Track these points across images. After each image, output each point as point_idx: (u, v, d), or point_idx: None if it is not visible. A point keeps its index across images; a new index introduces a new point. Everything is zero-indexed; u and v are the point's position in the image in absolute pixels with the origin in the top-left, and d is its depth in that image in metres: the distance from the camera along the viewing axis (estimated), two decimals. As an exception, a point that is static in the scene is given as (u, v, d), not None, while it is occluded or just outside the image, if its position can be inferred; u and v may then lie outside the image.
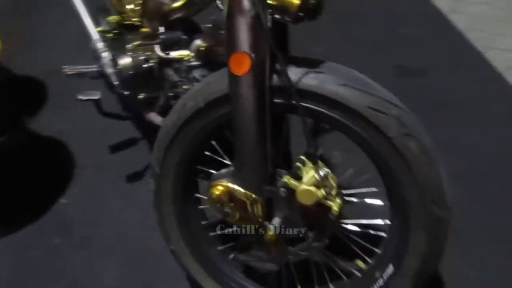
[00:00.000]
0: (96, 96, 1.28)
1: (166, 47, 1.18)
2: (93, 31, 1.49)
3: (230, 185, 0.83)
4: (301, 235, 0.87)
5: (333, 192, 0.79)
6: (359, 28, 1.94)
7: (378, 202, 0.90)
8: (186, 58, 1.13)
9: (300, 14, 0.71)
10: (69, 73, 1.31)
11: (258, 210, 0.83)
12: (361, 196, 0.89)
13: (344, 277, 0.96)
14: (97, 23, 1.50)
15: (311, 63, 0.78)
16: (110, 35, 1.40)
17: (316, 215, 0.83)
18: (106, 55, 1.43)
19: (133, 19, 1.28)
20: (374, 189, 0.89)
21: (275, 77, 0.77)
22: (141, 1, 1.24)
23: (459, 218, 0.85)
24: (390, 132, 0.74)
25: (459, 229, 0.88)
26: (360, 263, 0.93)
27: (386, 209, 0.85)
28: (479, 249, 1.17)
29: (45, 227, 1.34)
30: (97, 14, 1.49)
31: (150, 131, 1.57)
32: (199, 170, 0.96)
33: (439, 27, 1.96)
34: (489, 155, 1.40)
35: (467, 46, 1.84)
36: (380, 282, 0.87)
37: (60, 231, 1.34)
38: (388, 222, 0.86)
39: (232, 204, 0.83)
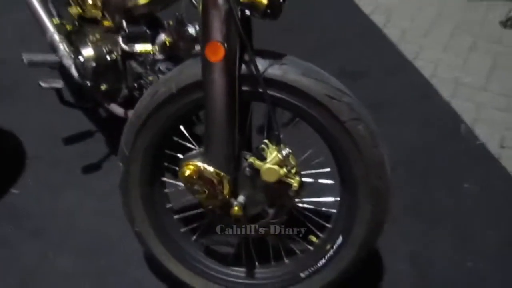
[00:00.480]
0: (59, 84, 1.29)
1: (130, 41, 1.23)
2: (49, 23, 1.49)
3: (200, 164, 0.90)
4: (262, 213, 0.97)
5: (293, 170, 0.90)
6: (303, 34, 2.10)
7: (329, 181, 1.02)
8: (151, 52, 1.19)
9: (268, 11, 0.81)
10: (27, 60, 1.30)
11: (225, 188, 0.91)
12: (315, 176, 1.00)
13: (298, 252, 1.07)
14: (54, 15, 1.50)
15: (275, 55, 0.88)
16: (70, 27, 1.41)
17: (277, 193, 0.93)
18: (64, 47, 1.44)
19: (94, 12, 1.31)
20: (327, 169, 1.00)
21: (243, 66, 0.86)
22: (103, -4, 1.28)
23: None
24: (342, 117, 0.86)
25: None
26: (312, 238, 1.04)
27: (336, 188, 0.97)
28: (409, 225, 1.34)
29: (-5, 217, 1.32)
30: (55, 5, 1.49)
31: (105, 123, 1.60)
32: (166, 154, 1.02)
33: (375, 38, 2.17)
34: (413, 147, 1.60)
35: (400, 56, 2.07)
36: (330, 252, 0.98)
37: (12, 221, 1.32)
38: (338, 199, 0.98)
39: (201, 182, 0.91)
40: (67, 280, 1.20)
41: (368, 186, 0.89)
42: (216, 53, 0.81)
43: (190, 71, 0.90)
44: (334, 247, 0.97)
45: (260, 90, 0.85)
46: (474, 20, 2.37)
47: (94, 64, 1.24)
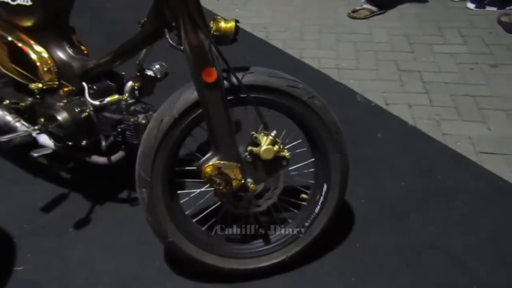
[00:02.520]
0: (48, 150, 1.40)
1: (97, 96, 1.42)
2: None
3: (215, 162, 1.17)
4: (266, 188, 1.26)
5: (281, 146, 1.21)
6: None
7: (303, 149, 1.35)
8: (122, 99, 1.40)
9: (234, 39, 1.13)
10: (4, 141, 1.39)
11: (238, 174, 1.19)
12: (292, 148, 1.33)
13: (295, 210, 1.38)
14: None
15: (244, 68, 1.19)
16: (24, 103, 1.53)
17: (274, 166, 1.23)
18: (22, 124, 1.55)
19: (52, 83, 1.47)
20: (299, 141, 1.34)
21: (225, 81, 1.15)
22: (54, 67, 1.46)
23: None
24: (303, 98, 1.21)
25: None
26: (303, 196, 1.36)
27: (309, 152, 1.32)
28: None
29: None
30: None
31: (73, 181, 1.72)
32: (176, 170, 1.25)
33: (263, 48, 2.63)
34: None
35: (290, 58, 2.53)
36: (321, 199, 1.31)
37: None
38: (313, 159, 1.32)
39: (220, 175, 1.17)
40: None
41: (333, 141, 1.25)
42: (211, 75, 1.09)
43: (185, 97, 1.16)
44: (323, 194, 1.31)
45: (243, 95, 1.16)
46: (331, 20, 2.98)
47: (71, 124, 1.41)
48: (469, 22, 2.87)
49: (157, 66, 1.46)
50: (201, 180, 1.19)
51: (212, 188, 1.22)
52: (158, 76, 1.45)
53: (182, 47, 1.11)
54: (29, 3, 1.38)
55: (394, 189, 1.68)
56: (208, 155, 1.19)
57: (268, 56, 2.56)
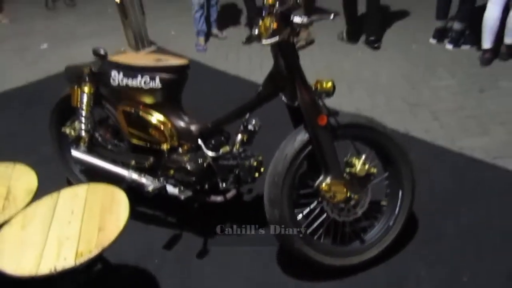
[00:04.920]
0: (161, 184, 1.86)
1: (214, 149, 1.85)
2: (121, 169, 1.98)
3: (329, 181, 1.61)
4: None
5: (369, 165, 1.67)
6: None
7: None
8: (234, 149, 1.84)
9: (332, 94, 1.62)
10: (149, 191, 1.81)
11: (343, 189, 1.63)
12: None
13: (378, 215, 1.82)
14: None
15: (338, 113, 1.65)
16: (149, 163, 1.95)
17: (364, 180, 1.68)
18: (147, 178, 1.95)
19: (174, 143, 1.90)
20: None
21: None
22: (175, 130, 1.88)
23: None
24: (380, 128, 1.69)
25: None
26: (383, 202, 1.80)
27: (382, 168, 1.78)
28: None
29: None
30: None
31: (182, 223, 2.10)
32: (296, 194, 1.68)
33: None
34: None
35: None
36: (399, 203, 1.76)
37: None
38: (386, 173, 1.78)
39: (332, 191, 1.61)
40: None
41: (402, 157, 1.72)
42: (323, 120, 1.56)
43: (300, 137, 1.61)
44: (399, 198, 1.76)
45: (341, 132, 1.62)
46: (339, 71, 3.54)
47: (198, 172, 1.82)
48: (451, 60, 3.50)
49: (254, 122, 1.90)
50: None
51: (320, 205, 1.66)
52: (256, 129, 1.89)
53: (295, 103, 1.58)
54: (159, 86, 1.83)
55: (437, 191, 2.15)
56: (321, 178, 1.63)
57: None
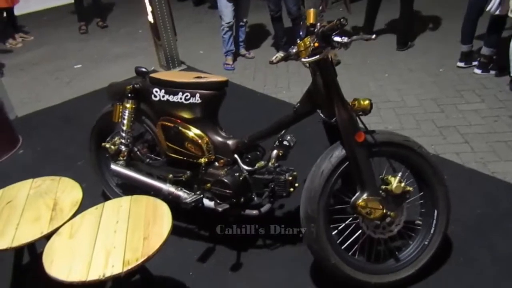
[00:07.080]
0: (199, 196, 1.91)
1: (249, 164, 1.90)
2: (159, 183, 2.04)
3: (365, 197, 1.63)
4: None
5: (405, 183, 1.68)
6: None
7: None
8: (269, 164, 1.88)
9: (370, 111, 1.65)
10: (188, 203, 1.85)
11: (380, 206, 1.64)
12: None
13: (413, 234, 1.81)
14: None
15: (375, 131, 1.69)
16: (186, 176, 2.00)
17: (400, 198, 1.69)
18: (184, 192, 1.99)
19: (210, 157, 1.95)
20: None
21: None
22: (212, 145, 1.94)
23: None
24: (415, 148, 1.71)
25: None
26: (418, 221, 1.80)
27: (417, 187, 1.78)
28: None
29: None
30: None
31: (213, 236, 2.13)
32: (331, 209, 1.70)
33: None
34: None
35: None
36: (434, 222, 1.76)
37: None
38: (421, 193, 1.78)
39: (369, 207, 1.62)
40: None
41: (437, 177, 1.73)
42: (361, 137, 1.59)
43: (336, 154, 1.65)
44: (434, 217, 1.76)
45: (378, 150, 1.65)
46: (365, 93, 3.58)
47: (235, 186, 1.86)
48: (480, 84, 3.51)
49: (289, 137, 1.94)
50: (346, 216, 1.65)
51: (355, 221, 1.67)
52: (291, 144, 1.93)
53: (333, 120, 1.62)
54: (199, 101, 1.90)
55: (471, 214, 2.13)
56: (357, 194, 1.65)
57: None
